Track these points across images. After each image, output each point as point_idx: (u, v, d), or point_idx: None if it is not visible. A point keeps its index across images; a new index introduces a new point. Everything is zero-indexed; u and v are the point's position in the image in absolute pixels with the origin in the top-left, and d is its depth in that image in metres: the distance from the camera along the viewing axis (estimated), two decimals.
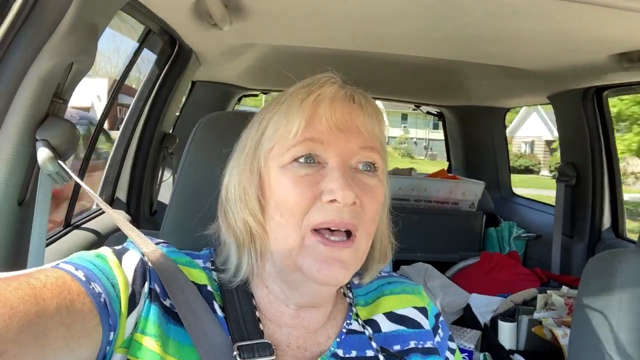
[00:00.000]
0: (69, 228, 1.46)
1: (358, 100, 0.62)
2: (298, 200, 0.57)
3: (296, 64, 2.21)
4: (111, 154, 1.85)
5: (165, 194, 2.12)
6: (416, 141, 25.89)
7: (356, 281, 0.71)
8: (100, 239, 1.49)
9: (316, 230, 0.57)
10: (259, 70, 2.37)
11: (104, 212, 1.66)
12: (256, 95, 3.18)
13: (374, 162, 0.61)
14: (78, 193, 1.51)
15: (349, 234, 0.58)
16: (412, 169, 2.79)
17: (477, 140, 3.07)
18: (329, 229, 0.57)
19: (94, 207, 1.75)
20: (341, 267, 0.56)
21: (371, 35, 1.62)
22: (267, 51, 2.02)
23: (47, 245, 1.03)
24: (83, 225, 1.52)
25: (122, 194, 1.86)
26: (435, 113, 3.42)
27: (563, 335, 1.42)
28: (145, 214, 1.96)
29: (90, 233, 1.49)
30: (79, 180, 0.80)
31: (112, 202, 1.82)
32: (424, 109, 3.38)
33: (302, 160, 0.59)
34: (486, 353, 1.54)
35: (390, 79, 2.42)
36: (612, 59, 1.48)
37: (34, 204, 0.88)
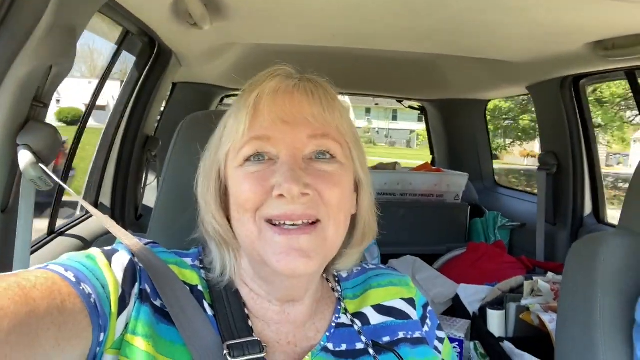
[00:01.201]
0: (53, 235, 1.44)
1: (304, 88, 0.61)
2: (249, 197, 0.57)
3: (277, 62, 2.20)
4: (93, 158, 1.82)
5: (149, 198, 2.10)
6: (378, 130, 30.14)
7: (344, 275, 0.71)
8: (85, 245, 1.47)
9: (273, 223, 0.57)
10: (241, 70, 2.35)
11: (88, 218, 1.65)
12: (237, 95, 3.16)
13: (328, 150, 0.60)
14: (61, 199, 1.49)
15: (313, 223, 0.57)
16: (396, 163, 2.81)
17: (459, 133, 3.10)
18: (285, 223, 0.56)
19: (78, 213, 1.73)
20: (301, 256, 0.55)
21: (352, 31, 1.63)
22: (248, 50, 2.01)
23: (32, 252, 1.02)
24: (68, 232, 1.49)
25: (105, 199, 1.83)
26: (418, 107, 3.45)
27: (550, 321, 1.45)
28: (131, 218, 1.94)
29: (75, 239, 1.47)
30: (63, 184, 0.79)
31: (96, 207, 1.80)
32: (406, 103, 3.41)
33: (252, 159, 0.59)
34: (476, 342, 1.57)
35: (372, 75, 2.44)
36: (587, 48, 1.51)
37: (17, 210, 0.87)
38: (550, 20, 1.31)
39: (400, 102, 3.35)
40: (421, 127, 15.26)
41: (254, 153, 0.59)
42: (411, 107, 3.50)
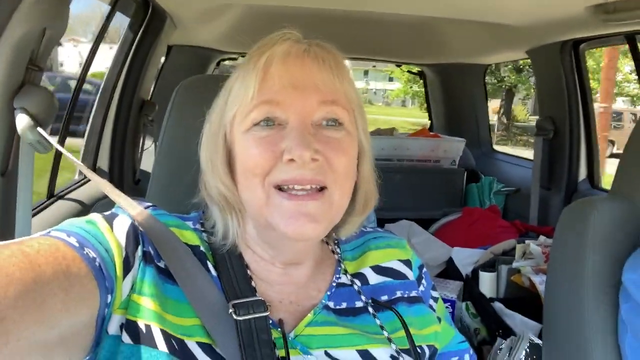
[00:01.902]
0: (53, 199, 1.45)
1: (314, 54, 0.60)
2: (258, 161, 0.57)
3: (274, 25, 2.16)
4: (89, 123, 1.82)
5: (147, 163, 2.10)
6: (375, 91, 31.78)
7: (343, 238, 0.73)
8: (85, 208, 1.49)
9: (281, 189, 0.57)
10: (237, 33, 2.32)
11: (87, 182, 1.66)
12: (235, 59, 3.12)
13: (337, 117, 0.60)
14: (59, 162, 1.50)
15: (320, 189, 0.58)
16: (393, 128, 2.81)
17: (457, 98, 3.08)
18: (294, 188, 0.57)
19: (76, 177, 1.74)
20: (309, 221, 0.56)
21: None
22: (244, 12, 1.97)
23: (33, 216, 1.03)
24: (67, 196, 1.51)
25: (103, 163, 1.84)
26: (416, 72, 3.42)
27: (540, 282, 1.49)
28: (129, 182, 1.95)
29: (75, 203, 1.48)
30: (60, 148, 0.80)
31: (94, 171, 1.81)
32: (405, 67, 3.37)
33: (262, 124, 0.58)
34: (468, 302, 1.61)
35: (371, 39, 2.40)
36: (588, 11, 1.49)
37: (17, 174, 0.88)
38: None
39: (398, 66, 3.31)
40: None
41: (264, 118, 0.58)
42: (409, 72, 3.46)
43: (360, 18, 1.93)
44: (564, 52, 1.98)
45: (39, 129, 0.82)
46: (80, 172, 1.71)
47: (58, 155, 1.48)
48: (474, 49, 2.53)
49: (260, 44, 0.61)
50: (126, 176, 1.93)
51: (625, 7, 1.39)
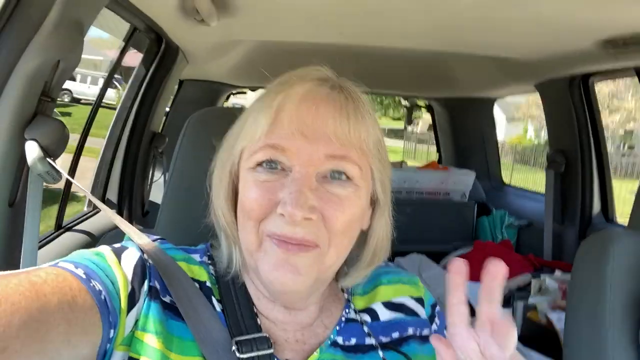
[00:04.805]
0: (60, 230, 1.44)
1: (333, 101, 0.57)
2: (254, 207, 0.56)
3: (285, 60, 2.20)
4: (100, 154, 1.83)
5: (156, 195, 2.11)
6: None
7: (348, 287, 0.69)
8: (93, 240, 1.48)
9: (272, 237, 0.55)
10: (248, 67, 2.36)
11: (96, 214, 1.65)
12: (244, 93, 3.17)
13: (345, 171, 0.56)
14: (68, 194, 1.50)
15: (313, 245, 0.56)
16: (403, 161, 2.81)
17: (466, 131, 3.08)
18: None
19: (85, 208, 1.74)
20: (292, 273, 0.54)
21: (359, 28, 1.62)
22: (255, 47, 2.01)
23: (40, 247, 1.02)
24: (75, 227, 1.50)
25: (112, 195, 1.84)
26: (425, 105, 3.44)
27: (558, 320, 1.44)
28: (137, 214, 1.95)
29: (83, 235, 1.48)
30: (70, 179, 0.80)
31: (103, 203, 1.81)
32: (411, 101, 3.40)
33: (265, 165, 0.57)
34: None
35: (379, 72, 2.43)
36: (597, 46, 1.50)
37: (24, 205, 0.87)
38: (560, 17, 1.30)
39: (406, 100, 3.34)
40: None
41: (267, 160, 0.56)
42: (417, 106, 3.49)
43: (369, 52, 1.96)
44: (573, 86, 1.98)
45: (49, 160, 0.82)
46: (89, 204, 1.71)
47: (67, 186, 1.48)
48: (482, 83, 2.55)
49: (280, 81, 0.59)
50: (135, 208, 1.93)
51: (634, 41, 1.40)
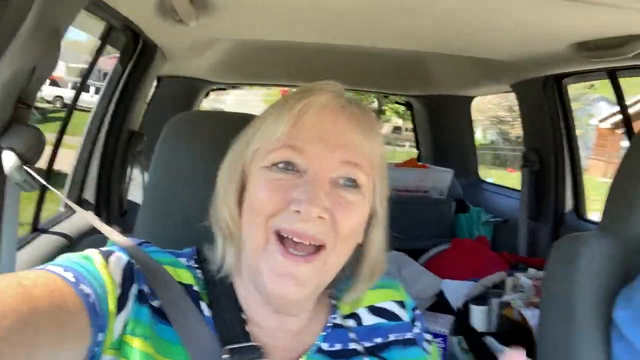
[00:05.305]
0: (36, 233, 1.42)
1: (350, 112, 0.61)
2: (266, 203, 0.57)
3: (264, 58, 2.20)
4: (77, 154, 1.80)
5: (134, 194, 2.08)
6: None
7: (347, 301, 0.71)
8: (71, 242, 1.46)
9: (281, 237, 0.57)
10: (227, 65, 2.34)
11: (72, 214, 1.63)
12: (224, 89, 3.14)
13: (356, 179, 0.60)
14: (44, 196, 1.47)
15: (318, 248, 0.57)
16: None
17: (444, 129, 3.13)
18: (293, 240, 0.56)
19: (61, 209, 1.71)
20: (294, 284, 0.56)
21: (338, 28, 1.63)
22: (234, 45, 2.00)
23: (17, 249, 1.01)
24: (51, 229, 1.48)
25: (89, 194, 1.81)
26: (403, 103, 3.47)
27: (531, 317, 1.48)
28: (115, 214, 1.93)
29: (60, 237, 1.45)
30: (48, 186, 0.79)
31: (80, 203, 1.78)
32: (393, 98, 3.42)
33: (280, 165, 0.59)
34: (460, 337, 1.60)
35: (358, 71, 2.44)
36: (570, 48, 1.54)
37: (1, 212, 0.86)
38: (535, 21, 1.33)
39: (386, 97, 3.36)
40: None
41: (284, 160, 0.58)
42: (397, 103, 3.52)
43: (348, 51, 1.96)
44: (547, 86, 2.03)
45: (26, 168, 0.81)
46: (66, 204, 1.68)
47: (43, 188, 1.45)
48: (460, 82, 2.59)
49: (301, 89, 0.62)
50: (113, 208, 1.90)
51: (605, 45, 1.44)
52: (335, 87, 0.62)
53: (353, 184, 0.60)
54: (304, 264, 0.56)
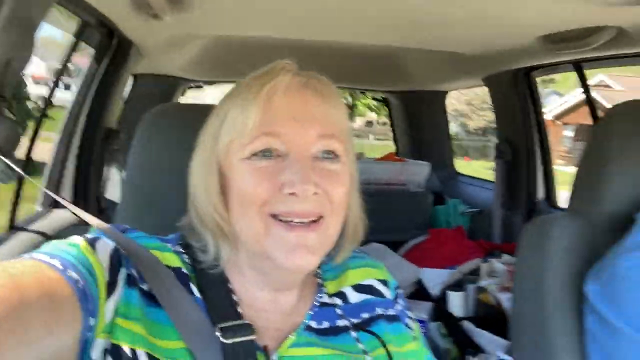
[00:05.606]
0: (13, 231, 1.40)
1: (313, 87, 0.62)
2: (257, 191, 0.58)
3: (241, 54, 2.20)
4: (53, 152, 1.78)
5: (112, 193, 2.06)
6: None
7: (339, 262, 0.73)
8: (48, 240, 1.44)
9: (278, 218, 0.58)
10: (204, 62, 2.34)
11: (49, 213, 1.61)
12: (200, 87, 3.13)
13: (334, 149, 0.61)
14: (20, 193, 1.45)
15: (317, 219, 0.59)
16: (361, 153, 2.86)
17: (420, 124, 3.18)
18: (292, 221, 0.58)
19: (38, 208, 1.69)
20: (308, 253, 0.57)
21: (312, 23, 1.65)
22: (211, 42, 2.00)
23: None
24: (29, 227, 1.46)
25: (66, 193, 1.79)
26: (381, 98, 3.51)
27: (506, 300, 1.53)
28: (94, 211, 1.91)
29: (38, 235, 1.44)
30: (27, 177, 0.79)
31: (56, 202, 1.76)
32: (369, 94, 3.46)
33: (260, 154, 0.59)
34: (439, 322, 1.64)
35: (335, 66, 2.44)
36: (537, 41, 1.59)
37: None
38: (502, 14, 1.38)
39: (363, 93, 3.40)
40: None
41: (264, 149, 0.59)
42: (374, 99, 3.56)
43: (324, 47, 1.99)
44: (517, 79, 2.09)
45: (3, 158, 0.81)
46: (42, 204, 1.66)
47: (19, 185, 1.44)
48: (433, 76, 2.64)
49: (260, 74, 0.62)
50: (91, 205, 1.88)
51: (570, 37, 1.50)
52: (292, 66, 0.63)
53: (332, 155, 0.61)
54: (311, 232, 0.58)
